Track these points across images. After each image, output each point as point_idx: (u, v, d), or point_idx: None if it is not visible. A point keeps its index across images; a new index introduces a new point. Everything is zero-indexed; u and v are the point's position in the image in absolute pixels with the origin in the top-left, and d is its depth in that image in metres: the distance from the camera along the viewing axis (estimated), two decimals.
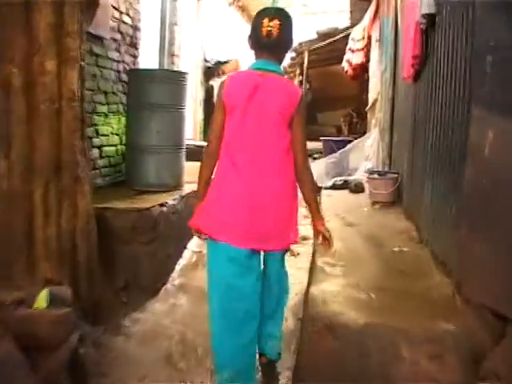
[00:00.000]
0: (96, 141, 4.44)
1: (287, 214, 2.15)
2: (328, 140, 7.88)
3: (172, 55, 6.79)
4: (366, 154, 6.53)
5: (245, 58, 10.42)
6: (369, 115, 8.14)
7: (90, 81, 4.24)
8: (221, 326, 2.11)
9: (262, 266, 2.22)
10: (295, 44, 12.81)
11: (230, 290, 2.07)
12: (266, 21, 2.06)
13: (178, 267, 3.86)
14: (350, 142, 7.20)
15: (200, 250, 4.28)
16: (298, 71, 15.53)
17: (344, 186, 5.70)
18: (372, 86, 8.08)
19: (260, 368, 2.37)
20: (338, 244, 3.20)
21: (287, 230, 2.16)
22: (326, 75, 17.34)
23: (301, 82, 15.90)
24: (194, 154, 7.29)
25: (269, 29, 2.05)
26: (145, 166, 4.39)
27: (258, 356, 2.32)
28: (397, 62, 6.14)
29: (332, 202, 4.90)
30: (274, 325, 2.33)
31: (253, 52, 2.20)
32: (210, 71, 8.65)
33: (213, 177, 2.20)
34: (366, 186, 5.61)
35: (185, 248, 4.26)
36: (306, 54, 12.28)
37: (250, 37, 2.18)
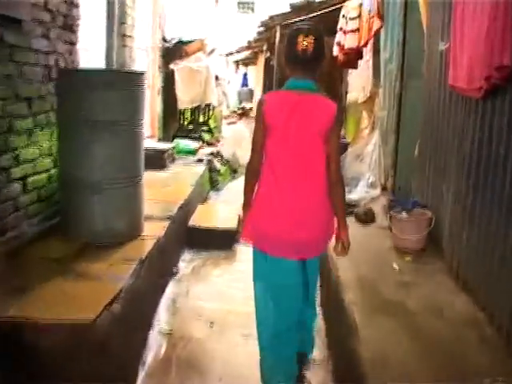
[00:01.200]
0: (16, 171, 3.08)
1: (325, 225, 2.26)
2: None
3: (123, 36, 5.34)
4: (366, 162, 5.39)
5: (211, 37, 9.00)
6: (360, 112, 6.97)
7: (1, 86, 2.87)
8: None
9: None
10: (265, 18, 11.40)
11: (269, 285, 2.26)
12: (301, 37, 2.13)
13: (141, 371, 2.61)
14: (345, 145, 6.03)
15: (170, 330, 3.05)
16: (265, 47, 14.10)
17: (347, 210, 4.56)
18: (362, 75, 6.90)
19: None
20: None
21: (324, 239, 2.31)
22: None
23: (268, 60, 14.53)
24: (154, 160, 5.95)
25: (304, 45, 2.13)
26: (87, 209, 3.09)
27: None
28: (406, 50, 4.99)
29: None
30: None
31: (287, 68, 2.26)
32: (170, 52, 7.20)
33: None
34: (376, 209, 4.50)
35: (150, 327, 3.01)
36: (277, 30, 10.91)
37: (285, 54, 2.25)
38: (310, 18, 10.25)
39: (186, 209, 4.41)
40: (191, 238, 4.40)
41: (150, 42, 6.64)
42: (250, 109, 16.87)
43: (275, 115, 2.16)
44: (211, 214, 4.93)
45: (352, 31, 6.16)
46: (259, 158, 2.23)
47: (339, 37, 6.58)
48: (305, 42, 2.11)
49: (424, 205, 3.68)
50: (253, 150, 2.26)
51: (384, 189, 5.30)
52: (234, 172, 7.51)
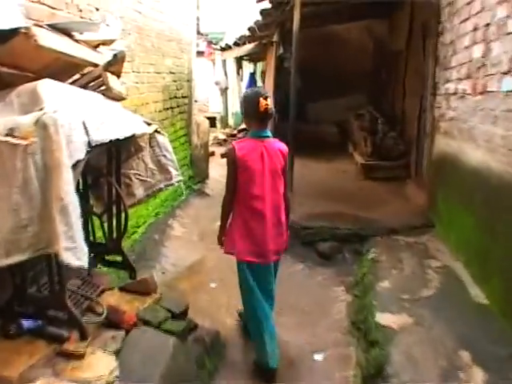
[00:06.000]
0: None
1: (285, 235, 3.26)
2: None
3: None
4: None
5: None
6: None
7: None
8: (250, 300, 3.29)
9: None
10: None
11: (251, 283, 3.19)
12: (262, 100, 2.96)
13: None
14: None
15: None
16: (275, 37, 8.82)
17: None
18: None
19: None
20: None
21: (282, 248, 3.27)
22: (321, 39, 10.85)
23: (280, 59, 9.31)
24: None
25: (265, 106, 2.96)
26: None
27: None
28: None
29: None
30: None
31: (250, 122, 3.15)
32: None
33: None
34: None
35: None
36: (297, 7, 5.75)
37: (248, 112, 3.11)
38: None
39: None
40: None
41: None
42: None
43: (248, 160, 3.01)
44: None
45: None
46: (233, 194, 3.10)
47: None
48: (266, 104, 2.96)
49: None
50: (228, 187, 3.12)
51: None
52: None
